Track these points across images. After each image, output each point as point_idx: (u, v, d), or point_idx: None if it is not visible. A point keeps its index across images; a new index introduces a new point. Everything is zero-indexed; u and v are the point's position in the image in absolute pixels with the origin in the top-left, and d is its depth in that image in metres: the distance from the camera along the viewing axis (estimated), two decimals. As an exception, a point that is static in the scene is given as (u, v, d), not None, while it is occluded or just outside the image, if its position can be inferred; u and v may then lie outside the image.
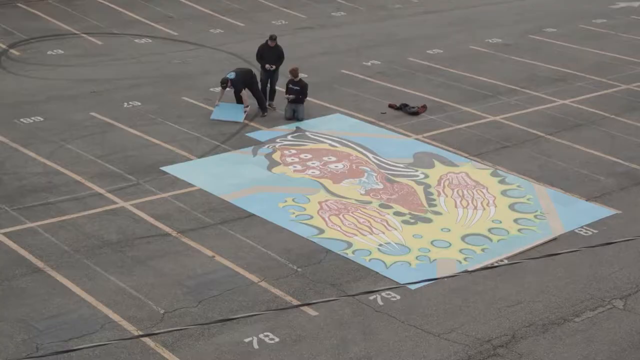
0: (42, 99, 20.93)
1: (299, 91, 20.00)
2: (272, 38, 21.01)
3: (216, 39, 26.38)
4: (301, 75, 20.86)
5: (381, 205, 16.10)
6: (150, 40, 26.03)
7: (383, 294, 13.13)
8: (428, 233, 15.12)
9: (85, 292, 12.90)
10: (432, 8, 31.24)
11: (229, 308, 12.52)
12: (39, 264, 13.60)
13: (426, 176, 17.49)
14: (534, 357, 11.74)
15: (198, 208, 15.70)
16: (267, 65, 20.61)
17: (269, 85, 20.78)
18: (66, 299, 12.69)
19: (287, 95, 20.07)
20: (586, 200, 16.69)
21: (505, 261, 14.25)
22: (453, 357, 11.70)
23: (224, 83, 19.73)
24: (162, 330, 11.58)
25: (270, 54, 20.81)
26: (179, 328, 11.69)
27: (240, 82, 19.95)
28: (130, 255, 14.00)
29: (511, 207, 16.29)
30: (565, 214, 16.09)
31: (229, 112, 20.01)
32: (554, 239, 15.13)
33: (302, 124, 19.94)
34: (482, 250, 14.61)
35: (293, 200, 16.19)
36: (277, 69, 20.79)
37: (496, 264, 14.05)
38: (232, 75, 19.94)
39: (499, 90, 22.71)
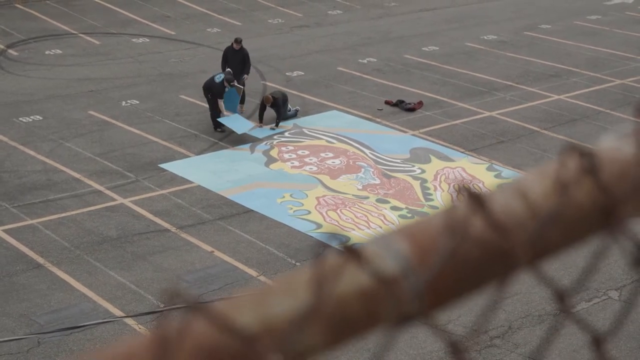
0: (40, 98, 21.05)
1: (278, 110, 19.53)
2: (237, 41, 20.69)
3: (213, 37, 26.50)
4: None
5: (378, 200, 16.24)
6: (148, 40, 26.15)
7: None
8: (425, 227, 15.26)
9: (86, 287, 13.04)
10: (428, 5, 31.38)
11: (228, 302, 12.67)
12: (40, 260, 13.73)
13: (423, 171, 17.64)
14: (530, 347, 11.89)
15: (197, 204, 15.83)
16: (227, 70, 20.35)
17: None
18: (67, 294, 12.82)
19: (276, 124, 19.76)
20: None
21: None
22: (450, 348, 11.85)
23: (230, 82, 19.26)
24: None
25: (235, 57, 20.68)
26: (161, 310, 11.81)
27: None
28: (130, 250, 14.13)
29: (507, 201, 16.44)
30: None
31: (236, 122, 19.26)
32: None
33: (299, 121, 20.06)
34: (479, 243, 14.77)
35: (291, 195, 16.33)
36: (242, 72, 20.39)
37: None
38: (221, 77, 19.41)
39: (495, 86, 22.85)
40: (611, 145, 0.72)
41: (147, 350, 0.53)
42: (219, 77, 19.34)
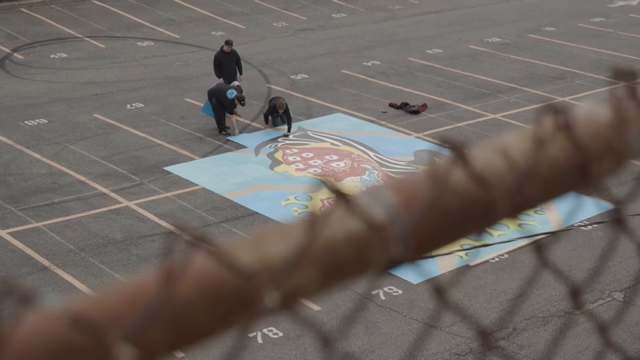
0: (45, 102, 21.14)
1: (288, 116, 19.54)
2: (228, 43, 20.57)
3: (218, 41, 26.55)
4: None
5: (382, 202, 16.28)
6: (152, 43, 26.24)
7: (385, 288, 13.31)
8: (429, 229, 15.29)
9: (91, 289, 13.09)
10: (432, 8, 31.44)
11: (233, 303, 12.71)
12: (45, 262, 13.79)
13: (427, 173, 17.67)
14: (534, 348, 11.91)
15: (201, 207, 15.89)
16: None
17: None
18: (72, 296, 12.88)
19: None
20: (585, 195, 16.84)
21: (506, 256, 14.44)
22: (455, 349, 11.88)
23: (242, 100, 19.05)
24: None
25: (228, 60, 20.66)
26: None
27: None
28: (135, 253, 14.19)
29: (511, 202, 16.46)
30: (565, 208, 16.25)
31: (246, 139, 19.19)
32: (554, 234, 15.29)
33: (304, 124, 20.11)
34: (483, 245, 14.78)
35: (295, 198, 16.38)
36: (236, 75, 20.36)
37: (497, 258, 14.24)
38: (233, 93, 19.24)
39: (498, 88, 22.88)
40: (588, 109, 0.76)
41: (153, 282, 0.57)
42: (231, 94, 19.07)
